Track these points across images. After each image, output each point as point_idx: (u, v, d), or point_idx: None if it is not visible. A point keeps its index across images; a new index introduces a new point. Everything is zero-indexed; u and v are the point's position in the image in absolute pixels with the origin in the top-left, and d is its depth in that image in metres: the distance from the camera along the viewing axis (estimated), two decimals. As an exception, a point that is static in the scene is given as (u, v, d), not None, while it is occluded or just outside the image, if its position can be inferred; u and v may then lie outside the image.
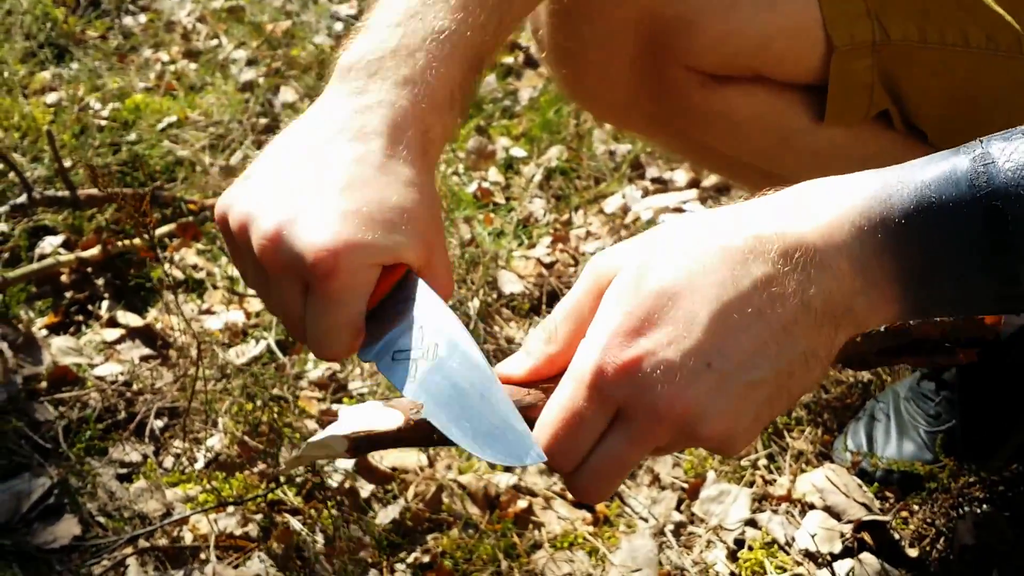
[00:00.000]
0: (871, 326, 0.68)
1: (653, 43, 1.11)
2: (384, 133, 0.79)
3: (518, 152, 2.50)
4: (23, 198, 2.02)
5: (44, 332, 1.80)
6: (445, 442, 0.69)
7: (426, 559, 1.35)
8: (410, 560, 1.36)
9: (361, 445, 0.69)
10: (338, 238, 0.72)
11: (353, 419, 0.69)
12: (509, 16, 0.89)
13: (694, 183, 2.35)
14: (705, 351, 0.63)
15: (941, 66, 1.06)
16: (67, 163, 2.18)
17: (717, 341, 0.63)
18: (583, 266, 2.01)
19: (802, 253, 0.63)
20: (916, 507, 1.45)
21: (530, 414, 0.69)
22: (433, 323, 0.75)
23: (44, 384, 1.63)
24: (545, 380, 0.71)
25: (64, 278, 1.95)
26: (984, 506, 1.42)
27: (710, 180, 2.34)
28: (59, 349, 1.73)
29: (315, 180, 0.77)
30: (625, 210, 2.23)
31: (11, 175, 2.11)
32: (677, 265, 0.65)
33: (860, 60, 1.06)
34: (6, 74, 2.58)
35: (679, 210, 2.22)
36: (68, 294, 1.92)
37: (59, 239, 2.03)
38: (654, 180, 2.39)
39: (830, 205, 0.64)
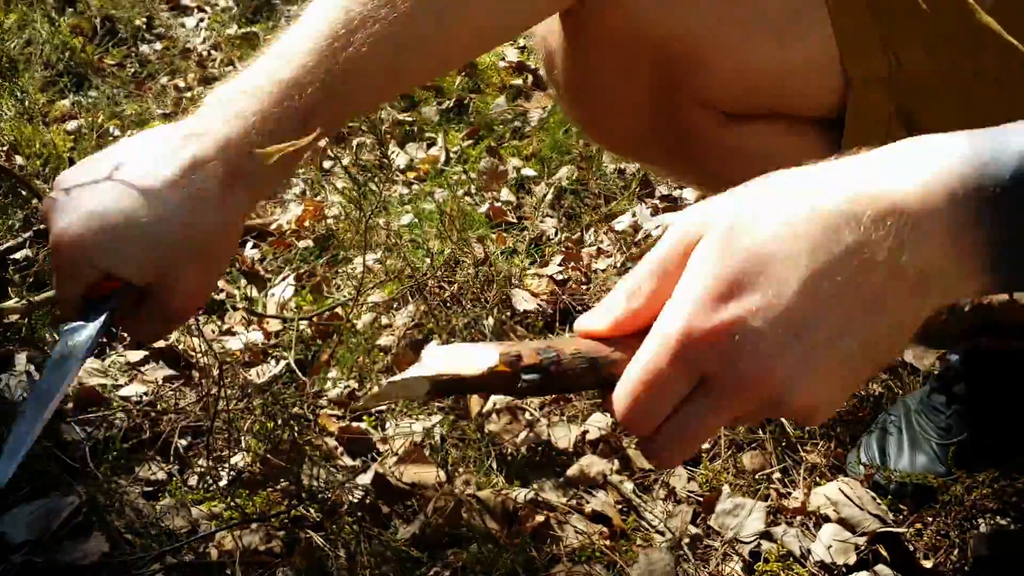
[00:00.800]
0: (958, 297, 0.67)
1: (667, 82, 1.12)
2: (189, 158, 0.91)
3: (529, 172, 2.54)
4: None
5: (68, 354, 1.83)
6: (533, 391, 0.69)
7: (446, 573, 1.37)
8: (431, 575, 1.38)
9: (443, 387, 0.68)
10: (66, 233, 0.88)
11: (438, 360, 0.68)
12: (359, 81, 0.96)
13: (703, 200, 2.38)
14: (795, 321, 0.61)
15: (956, 96, 1.06)
16: (88, 188, 2.21)
17: (807, 311, 0.62)
18: (596, 284, 2.05)
19: (896, 218, 0.61)
20: (930, 519, 1.47)
21: (612, 371, 0.68)
22: (67, 356, 0.92)
23: (71, 405, 1.66)
24: (628, 337, 0.69)
25: (87, 301, 1.98)
26: (998, 518, 1.44)
27: (720, 198, 2.36)
28: (85, 371, 1.76)
29: (98, 178, 0.91)
30: (636, 228, 2.26)
31: (34, 202, 2.15)
32: (768, 228, 0.63)
33: (876, 93, 1.06)
34: (27, 102, 2.62)
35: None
36: (91, 317, 1.95)
37: (81, 263, 2.06)
38: (663, 198, 2.42)
39: (926, 167, 0.62)
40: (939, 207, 0.61)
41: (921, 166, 0.62)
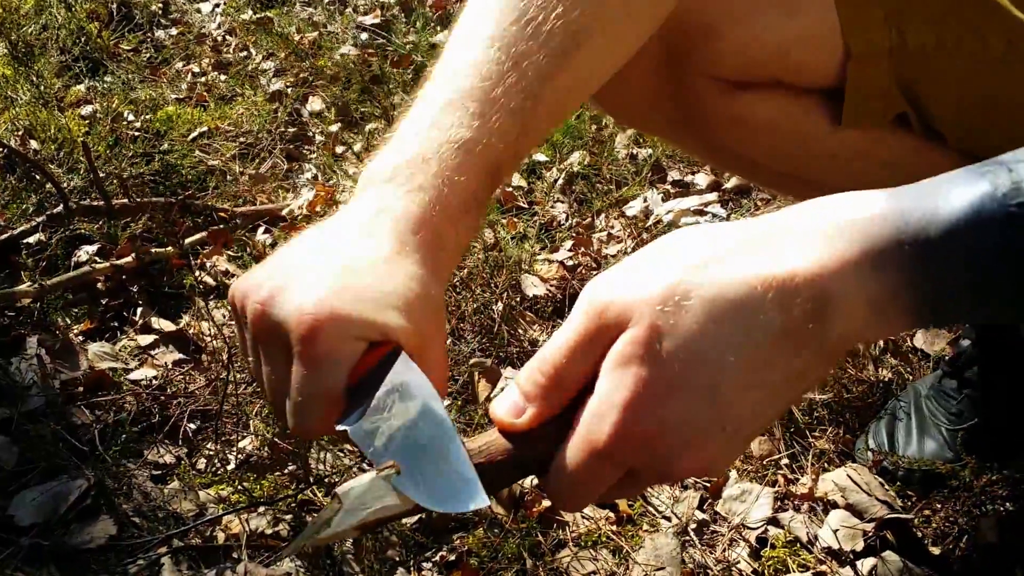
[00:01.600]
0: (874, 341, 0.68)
1: (674, 50, 1.13)
2: (393, 233, 0.80)
3: (540, 157, 2.53)
4: (60, 208, 2.07)
5: (81, 338, 1.84)
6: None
7: (452, 558, 1.38)
8: (436, 559, 1.38)
9: (370, 527, 0.69)
10: (323, 306, 0.72)
11: (357, 501, 0.67)
12: (534, 122, 0.88)
13: (715, 186, 2.37)
14: (722, 417, 0.63)
15: (959, 72, 1.05)
16: (102, 173, 2.23)
17: (735, 407, 0.63)
18: (605, 269, 2.03)
19: (818, 300, 0.61)
20: (938, 505, 1.46)
21: (540, 456, 0.70)
22: (407, 387, 0.73)
23: (81, 389, 1.67)
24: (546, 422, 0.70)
25: (100, 285, 1.99)
26: (1007, 504, 1.43)
27: (731, 183, 2.36)
28: (95, 354, 1.77)
29: (317, 262, 0.77)
30: (647, 213, 2.25)
31: (48, 186, 2.16)
32: (693, 328, 0.62)
33: (877, 66, 1.06)
34: (42, 87, 2.63)
35: (700, 213, 2.24)
36: (104, 301, 1.96)
37: (95, 247, 2.08)
38: (675, 183, 2.41)
39: (845, 236, 0.61)
40: (861, 283, 0.60)
41: (843, 235, 0.61)
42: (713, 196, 2.31)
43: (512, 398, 0.71)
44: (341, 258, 0.77)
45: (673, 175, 2.44)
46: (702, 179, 2.40)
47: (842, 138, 1.13)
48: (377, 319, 0.73)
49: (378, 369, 0.74)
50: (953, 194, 0.59)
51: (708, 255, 0.65)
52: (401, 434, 0.70)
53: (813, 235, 0.62)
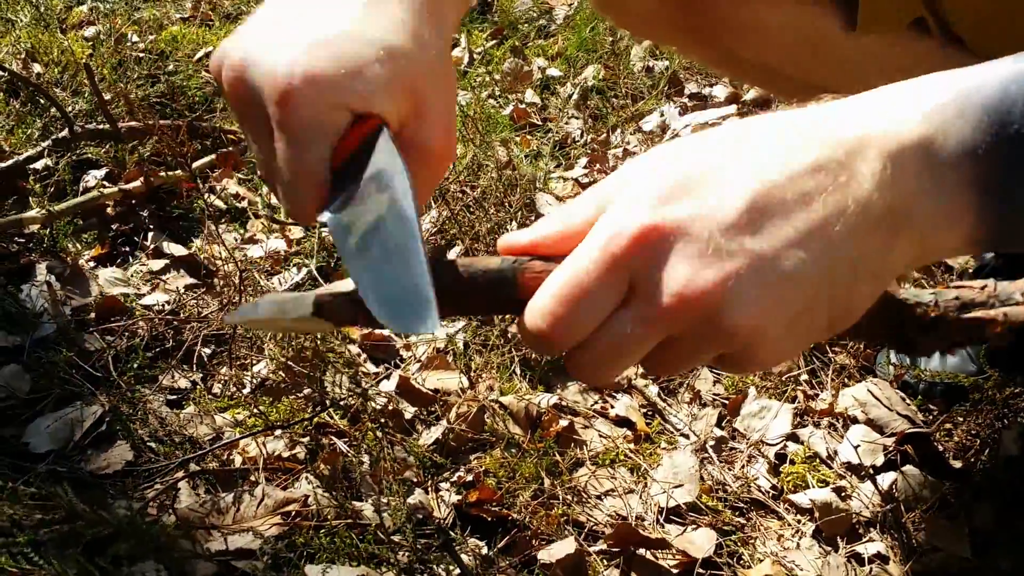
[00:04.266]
0: (939, 246, 0.59)
1: None
2: None
3: (554, 72, 2.48)
4: (65, 132, 2.04)
5: (91, 264, 1.83)
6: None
7: (469, 478, 1.37)
8: (454, 479, 1.38)
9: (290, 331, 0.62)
10: (295, 67, 0.64)
11: (283, 304, 0.62)
12: None
13: (734, 98, 2.31)
14: (739, 227, 0.55)
15: None
16: (107, 96, 2.19)
17: (754, 219, 0.55)
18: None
19: (862, 145, 0.56)
20: (960, 419, 1.45)
21: (530, 285, 0.61)
22: (383, 176, 0.66)
23: (93, 315, 1.66)
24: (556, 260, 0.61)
25: (109, 210, 1.97)
26: (1030, 417, 1.41)
27: (750, 95, 2.30)
28: (106, 280, 1.76)
29: (291, 12, 0.69)
30: (664, 128, 2.21)
31: (52, 110, 2.13)
32: (722, 138, 0.59)
33: None
34: (43, 9, 2.58)
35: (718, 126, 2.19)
36: (114, 226, 1.94)
37: (102, 172, 2.05)
38: (692, 96, 2.36)
39: (900, 102, 0.58)
40: (913, 137, 0.56)
41: (895, 102, 0.58)
42: (732, 109, 2.26)
43: (525, 229, 0.64)
44: (320, 8, 0.69)
45: (691, 87, 2.39)
46: (720, 91, 2.35)
47: (858, 43, 1.08)
48: (356, 84, 0.66)
49: (364, 148, 0.68)
50: (1011, 64, 0.57)
51: (755, 119, 0.61)
52: (371, 232, 0.64)
53: (863, 102, 0.59)
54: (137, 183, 1.96)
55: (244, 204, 2.02)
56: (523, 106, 2.34)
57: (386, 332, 1.67)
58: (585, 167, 2.10)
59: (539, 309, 0.59)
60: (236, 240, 1.92)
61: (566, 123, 2.28)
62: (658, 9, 1.18)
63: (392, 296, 0.60)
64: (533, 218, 1.91)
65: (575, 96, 2.35)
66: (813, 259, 0.56)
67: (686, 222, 0.56)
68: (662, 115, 2.25)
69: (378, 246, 0.62)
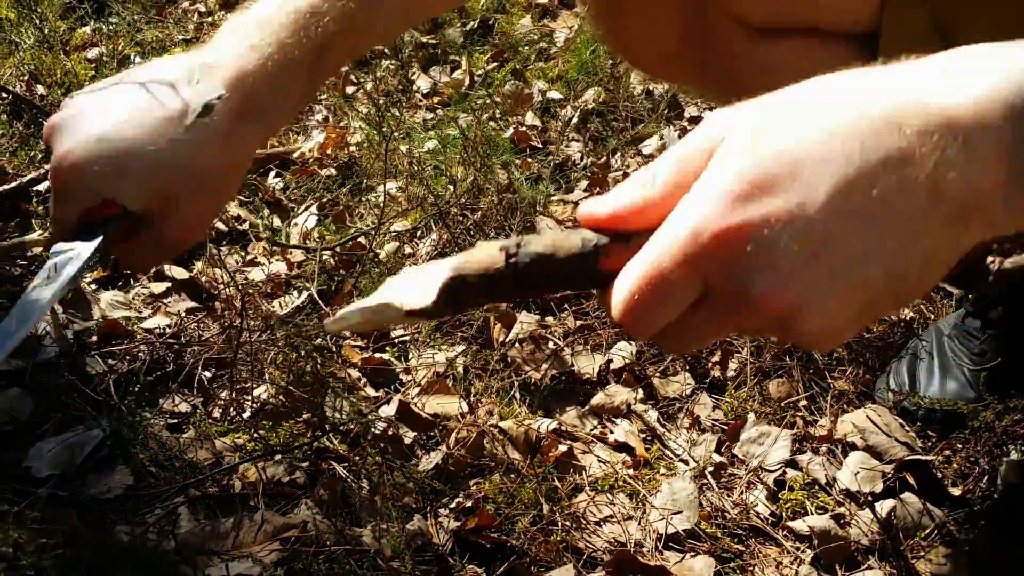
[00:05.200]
0: (1005, 229, 0.59)
1: None
2: (201, 91, 0.91)
3: (555, 95, 2.49)
4: (68, 155, 2.04)
5: (93, 287, 1.83)
6: (519, 287, 0.62)
7: (468, 504, 1.37)
8: (453, 505, 1.38)
9: (451, 296, 0.62)
10: (68, 156, 0.88)
11: (409, 283, 0.63)
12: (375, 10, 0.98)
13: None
14: (816, 236, 0.55)
15: (999, 10, 1.01)
16: (109, 119, 2.19)
17: (831, 226, 0.55)
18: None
19: (946, 131, 0.54)
20: (959, 446, 1.45)
21: (609, 265, 0.61)
22: (65, 259, 0.92)
23: (94, 338, 1.67)
24: (635, 233, 0.61)
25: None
26: (1028, 444, 1.41)
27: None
28: (108, 303, 1.76)
29: (102, 105, 0.92)
30: (664, 151, 2.21)
31: (55, 132, 2.13)
32: (803, 127, 0.57)
33: (913, 7, 1.01)
34: (47, 30, 2.60)
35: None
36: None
37: (104, 194, 2.05)
38: (692, 119, 2.37)
39: (984, 77, 0.55)
40: (995, 123, 0.54)
41: (978, 76, 0.56)
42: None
43: (604, 195, 0.64)
44: (121, 107, 0.91)
45: (691, 111, 2.39)
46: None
47: None
48: (108, 185, 0.89)
49: (103, 223, 0.92)
50: None
51: (832, 77, 0.61)
52: (39, 286, 0.93)
53: (944, 71, 0.58)
54: (139, 206, 1.96)
55: (245, 227, 2.02)
56: (523, 129, 2.35)
57: (386, 356, 1.67)
58: (585, 190, 2.11)
59: (620, 303, 0.60)
60: (237, 263, 1.93)
61: (566, 146, 2.29)
62: (675, 51, 1.18)
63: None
64: (533, 242, 1.91)
65: (575, 119, 2.36)
66: (886, 264, 0.56)
67: (765, 228, 0.55)
68: (662, 138, 2.26)
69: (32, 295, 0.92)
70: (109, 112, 0.91)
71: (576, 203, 2.05)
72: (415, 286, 0.63)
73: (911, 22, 1.01)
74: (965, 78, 0.56)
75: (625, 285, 0.60)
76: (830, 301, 0.57)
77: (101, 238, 0.92)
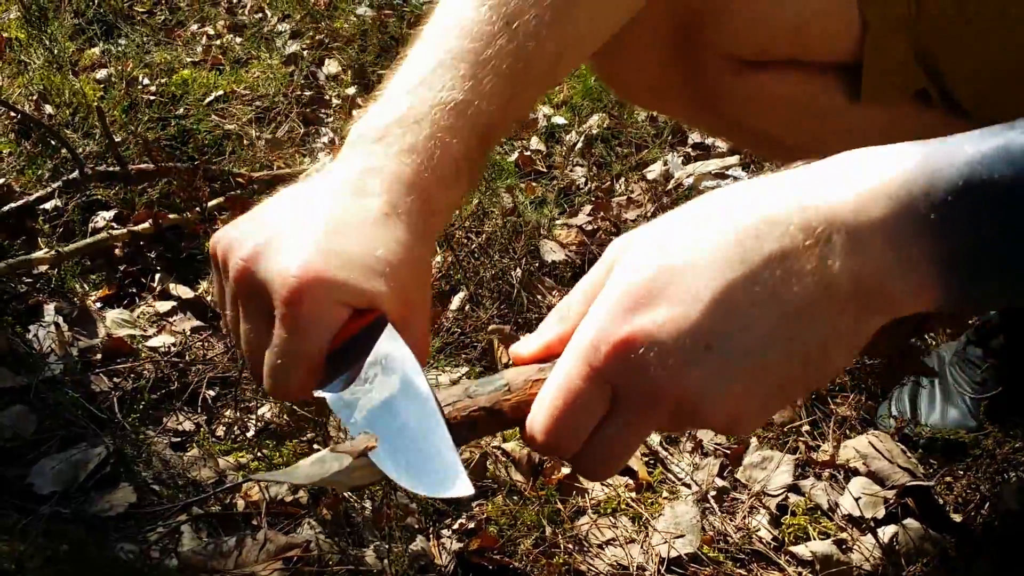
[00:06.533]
0: (909, 312, 0.61)
1: (686, 29, 1.10)
2: (383, 194, 0.78)
3: (559, 120, 2.51)
4: (76, 174, 2.06)
5: (99, 305, 1.84)
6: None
7: (471, 525, 1.37)
8: (456, 526, 1.38)
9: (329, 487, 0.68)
10: (308, 268, 0.71)
11: (321, 464, 0.68)
12: (525, 84, 0.86)
13: (737, 149, 2.34)
14: (704, 332, 0.59)
15: (979, 42, 1.02)
16: (117, 138, 2.21)
17: (718, 322, 0.59)
18: (625, 232, 2.02)
19: (827, 227, 0.58)
20: (960, 472, 1.45)
21: (520, 409, 0.68)
22: (391, 360, 0.72)
23: (99, 356, 1.67)
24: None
25: (117, 252, 1.99)
26: (1030, 471, 1.42)
27: (754, 146, 2.33)
28: (113, 321, 1.77)
29: (304, 220, 0.75)
30: (667, 177, 2.23)
31: (63, 151, 2.15)
32: (682, 242, 0.61)
33: (895, 37, 1.02)
34: (56, 51, 2.61)
35: (721, 176, 2.21)
36: (121, 267, 1.96)
37: (111, 213, 2.07)
38: (696, 146, 2.38)
39: (867, 175, 0.58)
40: (880, 216, 0.57)
41: (865, 173, 0.59)
42: (735, 159, 2.28)
43: (532, 336, 0.71)
44: (329, 218, 0.75)
45: (694, 137, 2.41)
46: (724, 142, 2.37)
47: (862, 114, 1.10)
48: (364, 285, 0.73)
49: (361, 337, 0.74)
50: (979, 141, 0.57)
51: (718, 194, 0.64)
52: (381, 409, 0.70)
53: (828, 173, 0.61)
54: (146, 224, 1.98)
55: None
56: (528, 153, 2.36)
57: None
58: (589, 214, 2.12)
59: (535, 428, 0.65)
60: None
61: (571, 171, 2.31)
62: (663, 81, 1.19)
63: (414, 464, 0.66)
64: (537, 265, 1.93)
65: (580, 144, 2.38)
66: (783, 350, 0.60)
67: (656, 332, 0.60)
68: (665, 164, 2.27)
69: (391, 422, 0.69)
70: (303, 226, 0.75)
71: (580, 227, 2.06)
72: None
73: (893, 52, 1.03)
74: (852, 178, 0.59)
75: (542, 409, 0.65)
76: (733, 387, 0.60)
77: (388, 323, 0.75)
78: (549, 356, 0.69)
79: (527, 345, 0.71)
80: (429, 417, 0.68)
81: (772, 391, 0.62)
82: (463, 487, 0.64)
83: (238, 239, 0.75)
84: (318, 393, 0.73)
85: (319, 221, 0.75)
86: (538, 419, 0.65)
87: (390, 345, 0.73)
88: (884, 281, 0.58)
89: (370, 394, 0.70)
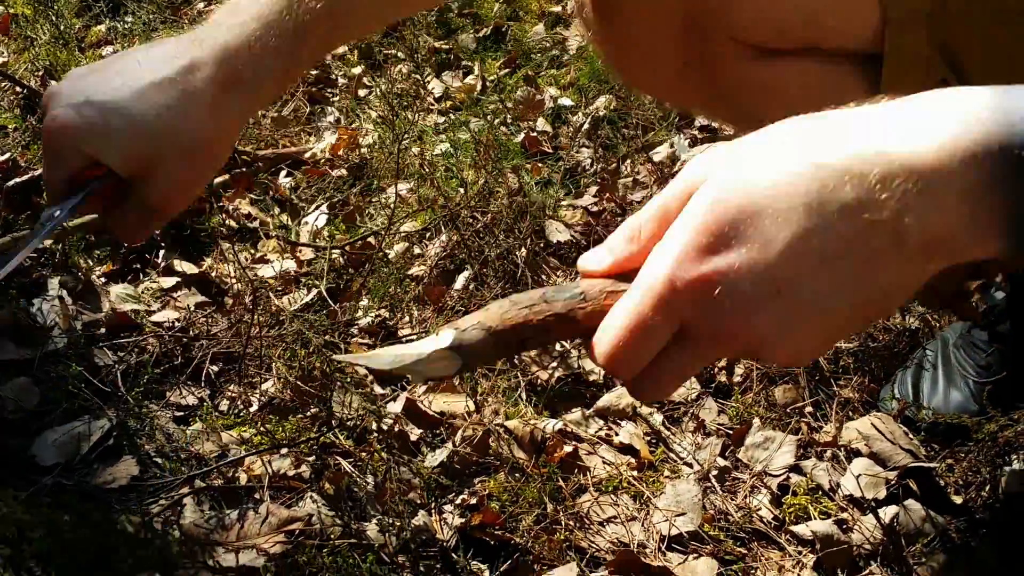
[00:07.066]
0: (967, 259, 0.61)
1: (699, 16, 1.08)
2: (186, 62, 0.97)
3: (566, 102, 2.50)
4: (81, 149, 2.05)
5: (103, 280, 1.85)
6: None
7: (473, 501, 1.38)
8: (457, 502, 1.38)
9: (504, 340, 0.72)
10: (59, 116, 0.94)
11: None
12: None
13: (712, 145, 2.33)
14: (777, 277, 0.60)
15: (1002, 36, 1.01)
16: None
17: (791, 269, 0.60)
18: (630, 215, 2.01)
19: (904, 179, 0.57)
20: (962, 455, 1.45)
21: (588, 321, 0.69)
22: (46, 219, 0.98)
23: (103, 330, 1.68)
24: (629, 275, 0.69)
25: (121, 228, 1.99)
26: (1032, 454, 1.41)
27: (760, 128, 2.32)
28: (118, 296, 1.77)
29: (102, 75, 0.97)
30: (673, 159, 2.22)
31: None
32: (762, 182, 0.61)
33: (916, 31, 1.01)
34: (63, 27, 2.61)
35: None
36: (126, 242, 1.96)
37: (116, 189, 2.07)
38: (702, 128, 2.37)
39: (945, 124, 0.58)
40: (955, 169, 0.57)
41: (939, 123, 0.58)
42: (740, 141, 2.27)
43: (598, 249, 0.72)
44: (118, 75, 0.96)
45: (700, 120, 2.40)
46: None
47: None
48: (91, 144, 0.94)
49: (92, 182, 0.97)
50: None
51: (795, 127, 0.65)
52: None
53: (905, 117, 0.61)
54: (151, 201, 1.98)
55: (256, 224, 2.04)
56: (535, 134, 2.36)
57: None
58: (595, 196, 2.12)
59: (606, 348, 0.67)
60: (247, 259, 1.93)
61: (577, 152, 2.30)
62: (677, 72, 1.17)
63: None
64: (542, 245, 1.93)
65: (586, 125, 2.37)
66: (849, 298, 0.62)
67: (732, 274, 0.61)
68: (672, 146, 2.26)
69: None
70: (102, 79, 0.96)
71: (586, 208, 2.06)
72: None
73: (913, 42, 1.01)
74: (928, 125, 0.59)
75: (610, 332, 0.67)
76: (797, 332, 0.63)
77: (83, 192, 0.97)
78: (618, 274, 0.70)
79: (597, 260, 0.72)
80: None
81: (834, 332, 0.65)
82: None
83: (57, 84, 0.99)
84: (45, 211, 0.98)
85: (103, 77, 0.97)
86: (604, 341, 0.67)
87: (62, 204, 0.97)
88: (954, 232, 0.58)
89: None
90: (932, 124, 0.59)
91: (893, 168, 0.58)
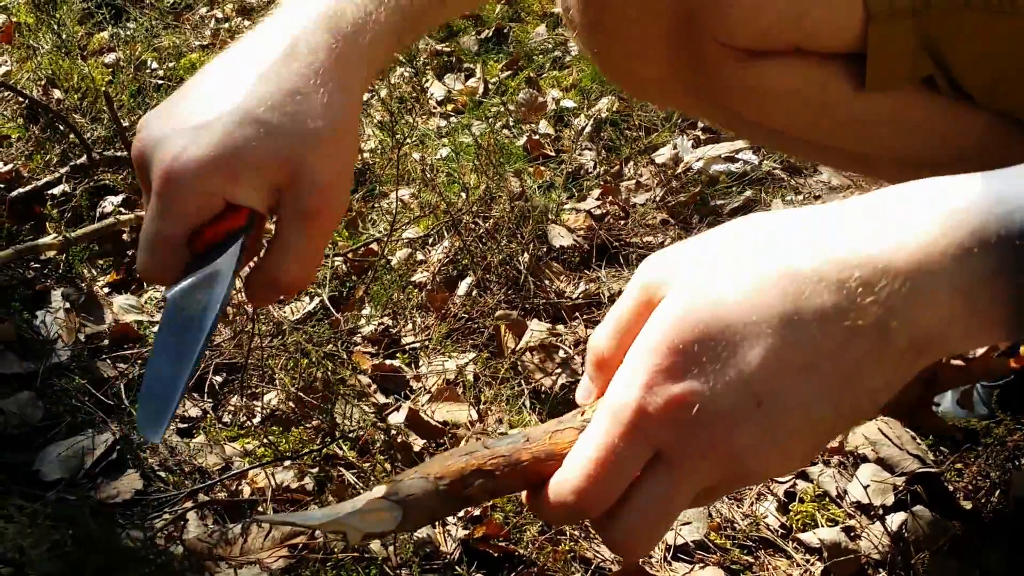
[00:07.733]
0: (962, 352, 0.60)
1: (686, 18, 1.08)
2: (302, 68, 0.79)
3: (568, 104, 2.49)
4: (84, 159, 2.06)
5: (106, 290, 1.84)
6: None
7: (476, 513, 1.37)
8: (461, 513, 1.38)
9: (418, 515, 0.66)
10: (180, 155, 0.74)
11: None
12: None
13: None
14: (756, 391, 0.56)
15: (986, 30, 1.00)
16: (125, 123, 2.21)
17: (771, 382, 0.56)
18: (634, 219, 2.01)
19: (889, 281, 0.54)
20: (971, 459, 1.44)
21: (538, 468, 0.65)
22: (212, 280, 0.75)
23: (106, 342, 1.67)
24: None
25: (125, 236, 1.99)
26: (1041, 458, 1.40)
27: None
28: (121, 307, 1.77)
29: (198, 88, 0.79)
30: (676, 160, 2.21)
31: (71, 136, 2.15)
32: (729, 291, 0.57)
33: (899, 26, 1.00)
34: (65, 35, 2.61)
35: (731, 159, 2.19)
36: (129, 252, 1.96)
37: (120, 198, 2.07)
38: (705, 129, 2.36)
39: (929, 218, 0.54)
40: (946, 267, 0.53)
41: (923, 217, 0.54)
42: (744, 143, 2.26)
43: (582, 386, 0.69)
44: (231, 102, 0.76)
45: (703, 121, 2.39)
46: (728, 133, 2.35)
47: (867, 103, 1.07)
48: (227, 174, 0.74)
49: (225, 242, 0.76)
50: None
51: (760, 227, 0.60)
52: (183, 325, 0.73)
53: (888, 216, 0.56)
54: (153, 210, 1.97)
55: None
56: (537, 137, 2.35)
57: (397, 363, 1.67)
58: (598, 199, 2.11)
59: (566, 486, 0.62)
60: (248, 268, 1.93)
61: (579, 154, 2.29)
62: (664, 73, 1.17)
63: (152, 390, 0.71)
64: (545, 250, 1.92)
65: (589, 128, 2.36)
66: (835, 403, 0.57)
67: (707, 391, 0.57)
68: (675, 148, 2.26)
69: (180, 339, 0.72)
70: (208, 105, 0.77)
71: (589, 212, 2.05)
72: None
73: (898, 40, 1.00)
74: (912, 220, 0.55)
75: (576, 466, 0.61)
76: (784, 441, 0.58)
77: (241, 240, 0.76)
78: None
79: (587, 395, 0.69)
80: (184, 358, 0.71)
81: (822, 436, 0.60)
82: (152, 435, 0.68)
83: (143, 122, 0.79)
84: (166, 291, 0.77)
85: (206, 83, 0.79)
86: (571, 476, 0.62)
87: (226, 259, 0.75)
88: (947, 328, 0.55)
89: (190, 308, 0.74)
90: (914, 219, 0.55)
91: (876, 270, 0.54)
